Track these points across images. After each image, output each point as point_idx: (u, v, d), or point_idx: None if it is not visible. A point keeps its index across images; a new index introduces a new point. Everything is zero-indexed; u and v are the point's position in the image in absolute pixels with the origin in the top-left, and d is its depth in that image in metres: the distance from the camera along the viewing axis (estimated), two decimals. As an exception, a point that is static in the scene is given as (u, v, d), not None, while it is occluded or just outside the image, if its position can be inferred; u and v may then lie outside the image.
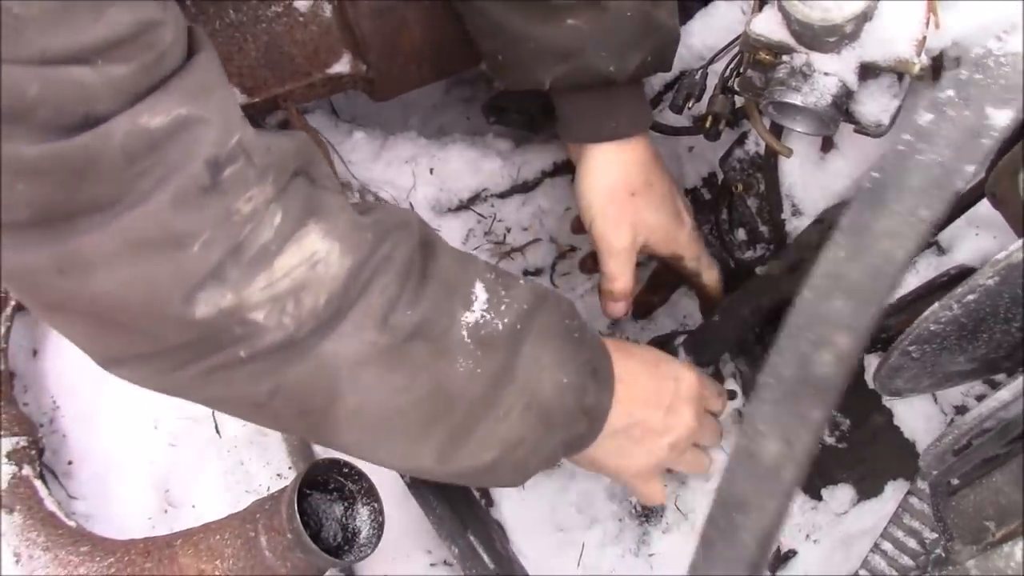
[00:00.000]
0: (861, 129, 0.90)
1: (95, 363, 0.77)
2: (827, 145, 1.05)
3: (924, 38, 0.83)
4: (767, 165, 1.08)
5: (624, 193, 1.07)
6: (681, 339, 1.21)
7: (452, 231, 1.32)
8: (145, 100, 0.65)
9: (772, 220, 1.11)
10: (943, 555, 0.80)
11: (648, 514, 1.19)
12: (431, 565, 1.17)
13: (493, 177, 1.33)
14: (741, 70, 0.95)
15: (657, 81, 1.24)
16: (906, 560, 0.94)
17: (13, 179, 0.63)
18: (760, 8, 0.89)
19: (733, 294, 1.15)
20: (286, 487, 0.94)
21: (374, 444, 0.84)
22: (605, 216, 1.07)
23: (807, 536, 1.11)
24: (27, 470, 1.09)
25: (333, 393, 0.78)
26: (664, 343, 1.22)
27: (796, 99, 0.86)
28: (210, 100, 0.69)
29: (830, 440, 1.10)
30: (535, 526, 1.19)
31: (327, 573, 1.00)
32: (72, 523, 1.06)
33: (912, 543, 0.92)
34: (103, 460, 1.19)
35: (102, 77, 0.63)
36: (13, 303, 1.18)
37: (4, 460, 1.08)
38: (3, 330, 1.17)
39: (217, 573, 0.95)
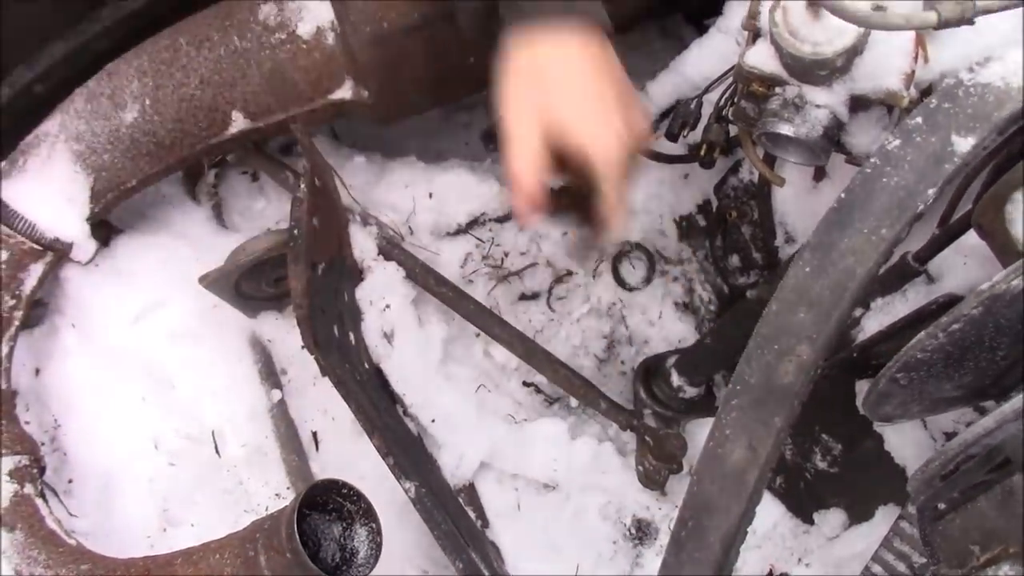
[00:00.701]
0: (852, 160, 0.92)
1: None
2: (819, 174, 1.06)
3: (913, 72, 0.85)
4: (761, 193, 1.09)
5: (542, 79, 0.93)
6: (673, 359, 1.22)
7: (451, 254, 1.34)
8: None
9: (766, 247, 1.13)
10: (931, 579, 0.81)
11: (642, 536, 1.20)
12: (427, 585, 1.18)
13: (491, 202, 1.35)
14: (735, 100, 0.96)
15: (654, 109, 1.27)
16: (896, 583, 0.94)
17: None
18: (753, 41, 0.91)
19: (724, 317, 1.16)
20: (285, 507, 0.94)
21: None
22: (516, 99, 0.94)
23: (799, 560, 1.12)
24: (28, 488, 1.09)
25: None
26: (657, 363, 1.23)
27: (788, 130, 0.88)
28: None
29: (822, 465, 1.11)
30: (530, 547, 1.20)
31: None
32: (72, 541, 1.06)
33: (902, 567, 0.93)
34: (103, 479, 1.19)
35: None
36: (16, 323, 1.18)
37: (6, 478, 1.08)
38: (6, 349, 1.17)
39: (216, 592, 0.96)
